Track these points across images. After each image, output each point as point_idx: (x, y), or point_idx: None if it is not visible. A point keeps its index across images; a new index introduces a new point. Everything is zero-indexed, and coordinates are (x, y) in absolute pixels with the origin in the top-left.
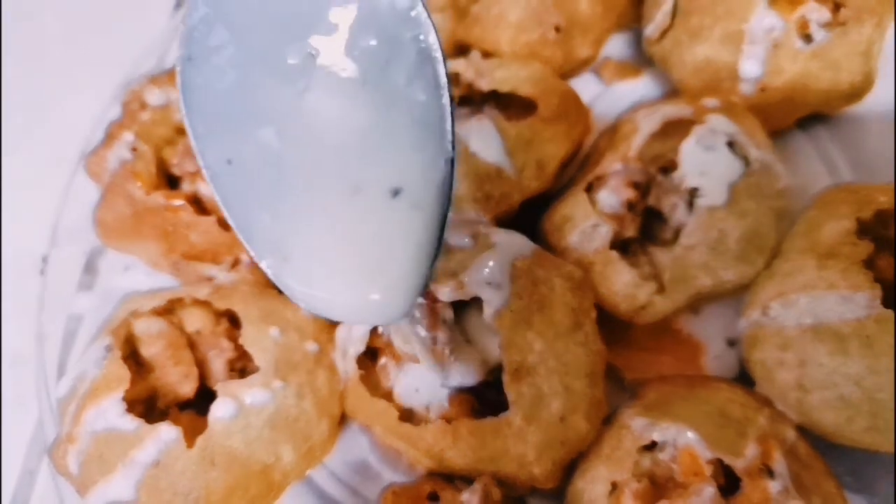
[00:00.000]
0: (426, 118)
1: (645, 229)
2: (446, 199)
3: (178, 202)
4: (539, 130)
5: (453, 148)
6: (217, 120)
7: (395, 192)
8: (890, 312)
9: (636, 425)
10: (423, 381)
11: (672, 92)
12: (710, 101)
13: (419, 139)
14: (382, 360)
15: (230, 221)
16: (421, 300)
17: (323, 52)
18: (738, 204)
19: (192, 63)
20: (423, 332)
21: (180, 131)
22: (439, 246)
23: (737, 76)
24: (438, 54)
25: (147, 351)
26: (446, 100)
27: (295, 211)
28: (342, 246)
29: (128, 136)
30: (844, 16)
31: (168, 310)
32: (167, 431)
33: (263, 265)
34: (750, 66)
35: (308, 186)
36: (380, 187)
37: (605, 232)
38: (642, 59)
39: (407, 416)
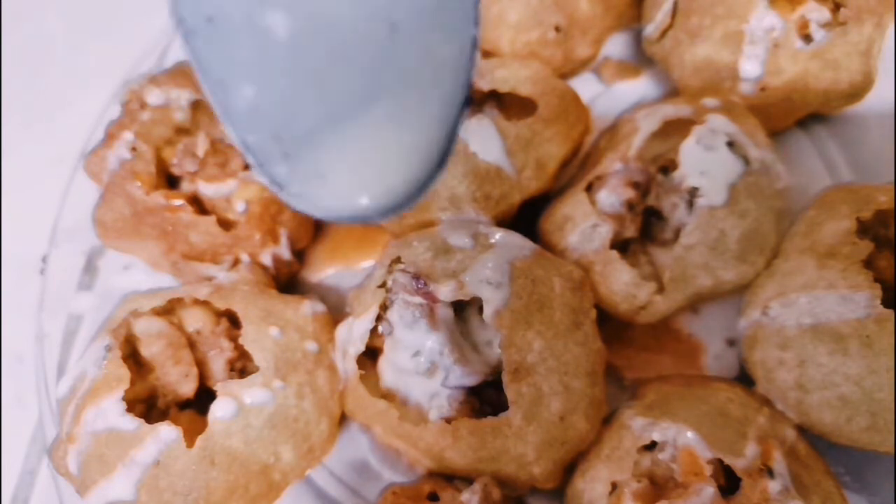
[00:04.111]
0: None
1: (645, 229)
2: (466, 84)
3: (178, 202)
4: (539, 130)
5: (477, 24)
6: None
7: (412, 75)
8: (890, 312)
9: (636, 425)
10: (423, 381)
11: (672, 92)
12: (710, 101)
13: (446, 16)
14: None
15: (204, 87)
16: (420, 300)
17: None
18: (738, 204)
19: None
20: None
21: (180, 131)
22: (450, 145)
23: (737, 76)
24: None
25: (147, 351)
26: None
27: (294, 89)
28: (346, 133)
29: (128, 136)
30: (844, 16)
31: (168, 310)
32: (167, 431)
33: (238, 139)
34: (750, 66)
35: (315, 70)
36: (396, 66)
37: (605, 232)
38: (642, 59)
39: (407, 415)
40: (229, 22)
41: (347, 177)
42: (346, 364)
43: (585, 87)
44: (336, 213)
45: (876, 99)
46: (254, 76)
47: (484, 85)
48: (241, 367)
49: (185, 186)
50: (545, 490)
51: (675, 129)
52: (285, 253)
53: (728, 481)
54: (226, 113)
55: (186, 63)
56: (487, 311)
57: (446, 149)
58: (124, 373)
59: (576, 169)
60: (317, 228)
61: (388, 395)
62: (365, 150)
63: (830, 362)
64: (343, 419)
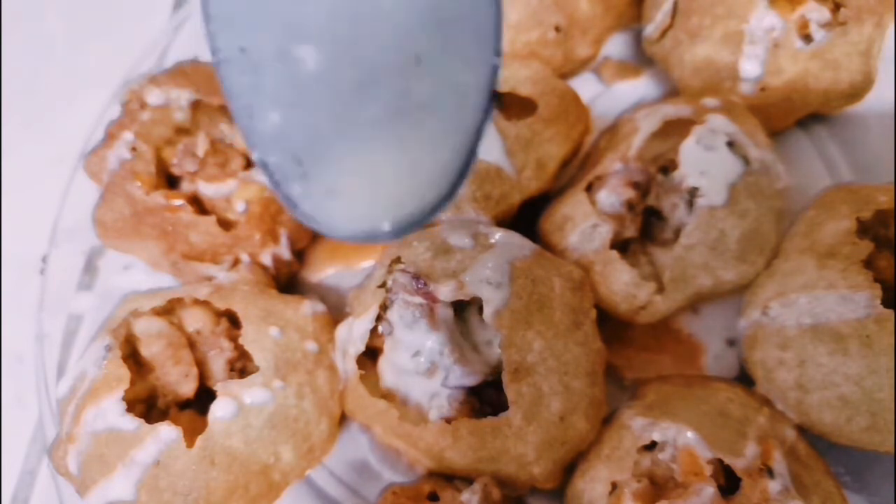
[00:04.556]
0: (476, 25)
1: (645, 229)
2: (485, 110)
3: (178, 202)
4: (539, 130)
5: (499, 54)
6: (239, 6)
7: (434, 103)
8: (890, 312)
9: (636, 425)
10: (423, 381)
11: (672, 92)
12: (710, 101)
13: (468, 47)
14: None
15: (232, 111)
16: (420, 300)
17: None
18: (738, 204)
19: None
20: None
21: (180, 131)
22: (465, 171)
23: (737, 76)
24: None
25: (147, 351)
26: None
27: (318, 115)
28: (363, 156)
29: (128, 136)
30: (844, 16)
31: (168, 310)
32: (167, 431)
33: (259, 159)
34: (750, 66)
35: (340, 98)
36: (419, 96)
37: (605, 232)
38: (642, 59)
39: (407, 415)
40: (261, 53)
41: (360, 198)
42: (346, 364)
43: (585, 87)
44: (347, 233)
45: (876, 99)
46: (281, 103)
47: None
48: (241, 367)
49: (185, 186)
50: (545, 490)
51: (675, 129)
52: (285, 253)
53: (728, 481)
54: (251, 135)
55: (186, 63)
56: (487, 311)
57: (461, 173)
58: (124, 373)
59: (576, 169)
60: None
61: (388, 395)
62: (380, 173)
63: (830, 362)
64: (343, 419)
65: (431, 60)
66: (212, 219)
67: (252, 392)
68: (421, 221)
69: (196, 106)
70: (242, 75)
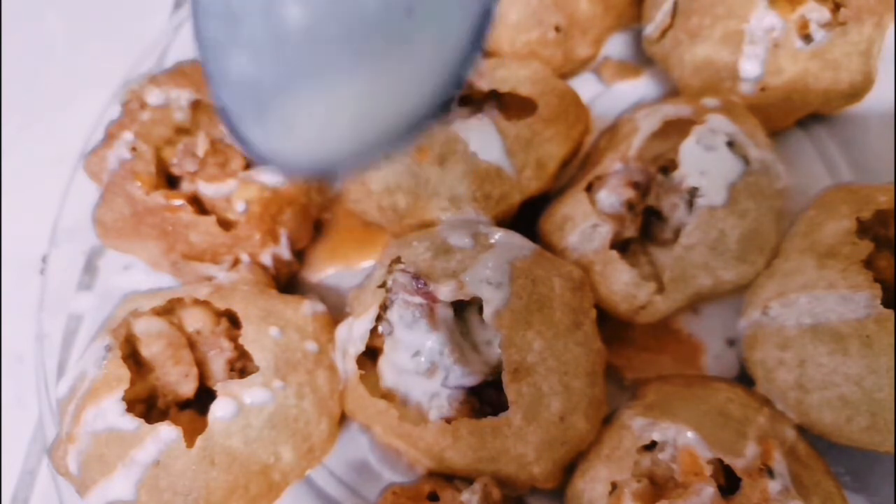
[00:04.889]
0: None
1: (645, 229)
2: (472, 50)
3: (178, 202)
4: (539, 130)
5: None
6: None
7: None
8: (890, 312)
9: (636, 425)
10: (423, 381)
11: (672, 92)
12: (710, 101)
13: None
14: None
15: (200, 55)
16: (420, 300)
17: None
18: (738, 204)
19: None
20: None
21: (180, 131)
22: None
23: (737, 76)
24: None
25: (147, 351)
26: None
27: (293, 64)
28: (334, 99)
29: (128, 136)
30: (844, 16)
31: (168, 310)
32: (167, 431)
33: (219, 101)
34: (750, 66)
35: (320, 50)
36: (406, 45)
37: (605, 232)
38: (642, 59)
39: (407, 415)
40: (245, 8)
41: (318, 132)
42: (346, 364)
43: (585, 87)
44: (303, 164)
45: (876, 99)
46: (254, 51)
47: (484, 85)
48: (241, 367)
49: (185, 186)
50: (545, 490)
51: (675, 129)
52: (285, 253)
53: (728, 481)
54: (216, 79)
55: (186, 63)
56: (487, 311)
57: (433, 111)
58: (124, 373)
59: (576, 169)
60: (317, 228)
61: (388, 395)
62: (345, 111)
63: (830, 362)
64: (343, 419)
65: (423, 10)
66: (212, 219)
67: (252, 392)
68: (384, 151)
69: (196, 106)
70: (220, 26)
